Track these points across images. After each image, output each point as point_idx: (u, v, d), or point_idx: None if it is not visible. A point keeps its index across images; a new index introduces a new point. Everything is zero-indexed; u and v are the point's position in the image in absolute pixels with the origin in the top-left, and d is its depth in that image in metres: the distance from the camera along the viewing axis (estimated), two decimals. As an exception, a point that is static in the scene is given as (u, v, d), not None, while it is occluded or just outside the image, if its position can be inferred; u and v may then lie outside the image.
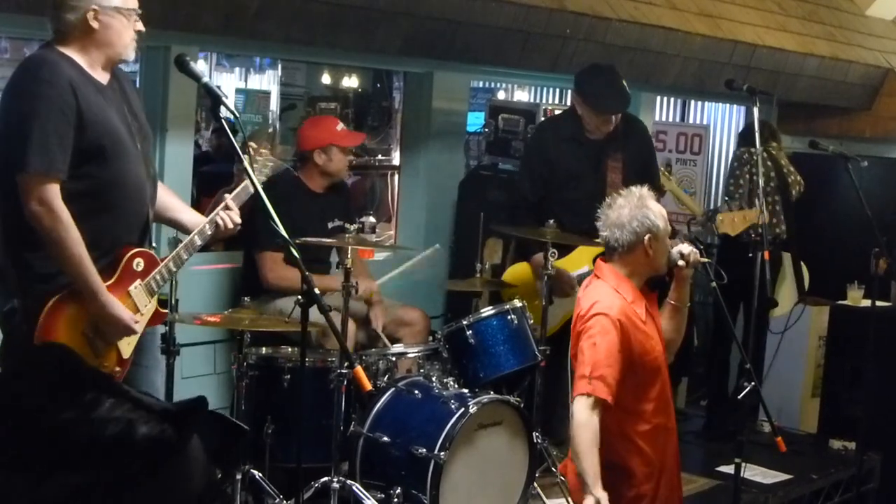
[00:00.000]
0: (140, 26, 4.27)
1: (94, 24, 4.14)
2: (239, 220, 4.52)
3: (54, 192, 4.02)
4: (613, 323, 4.37)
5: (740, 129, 11.11)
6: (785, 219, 7.85)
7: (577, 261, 6.43)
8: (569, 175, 6.55)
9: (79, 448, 1.22)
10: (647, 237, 4.49)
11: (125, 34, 4.21)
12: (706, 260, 4.73)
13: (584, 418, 4.28)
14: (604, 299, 4.45)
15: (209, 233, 4.47)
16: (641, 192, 4.61)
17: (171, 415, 1.28)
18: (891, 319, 7.39)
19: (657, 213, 4.54)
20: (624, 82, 6.53)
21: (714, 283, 4.89)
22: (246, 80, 14.69)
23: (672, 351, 4.75)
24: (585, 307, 4.48)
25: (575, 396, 4.33)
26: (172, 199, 4.64)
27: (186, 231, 4.56)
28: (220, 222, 4.46)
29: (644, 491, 4.53)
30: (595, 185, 6.43)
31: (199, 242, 4.47)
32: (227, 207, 4.49)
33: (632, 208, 4.52)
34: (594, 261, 6.35)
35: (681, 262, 4.55)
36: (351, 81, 13.25)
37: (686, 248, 4.60)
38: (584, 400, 4.29)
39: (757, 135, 6.10)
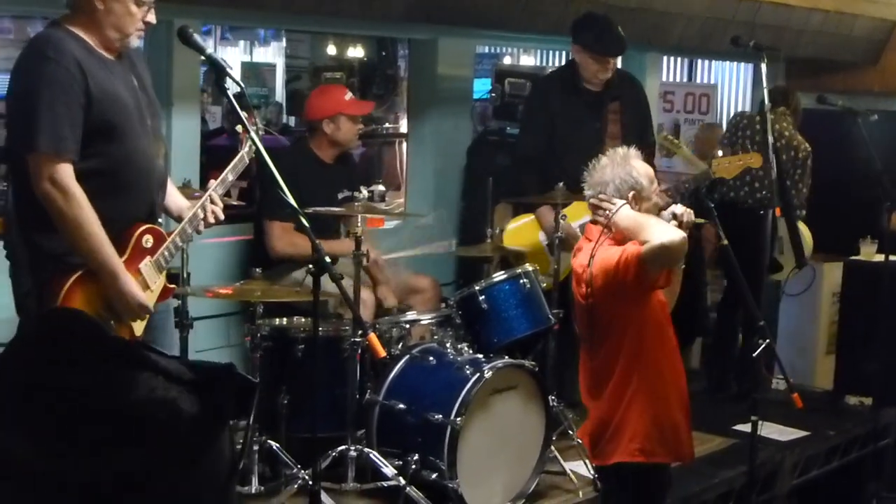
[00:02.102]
0: (152, 18, 4.21)
1: (99, 5, 4.09)
2: (222, 217, 4.47)
3: (66, 171, 3.98)
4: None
5: (748, 87, 11.12)
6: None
7: (577, 212, 6.46)
8: (570, 124, 6.65)
9: (123, 428, 1.22)
10: (630, 195, 4.46)
11: (129, 22, 4.14)
12: (701, 221, 4.70)
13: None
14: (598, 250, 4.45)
15: (201, 216, 4.44)
16: (626, 151, 4.59)
17: (200, 385, 1.28)
18: (904, 273, 7.37)
19: (641, 171, 4.52)
20: (619, 28, 6.65)
21: (725, 242, 4.86)
22: (251, 54, 14.68)
23: (671, 304, 4.72)
24: (586, 263, 4.44)
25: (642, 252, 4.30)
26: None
27: (169, 216, 4.56)
28: (201, 214, 4.40)
29: (661, 428, 4.53)
30: (596, 134, 6.62)
31: (201, 216, 4.45)
32: (212, 201, 4.44)
33: (614, 167, 4.51)
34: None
35: (673, 223, 4.48)
36: (356, 51, 13.24)
37: (679, 208, 4.56)
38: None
39: (765, 92, 6.06)
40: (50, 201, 3.97)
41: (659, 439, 4.52)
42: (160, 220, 4.46)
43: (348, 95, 6.49)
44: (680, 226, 4.48)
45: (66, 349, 1.19)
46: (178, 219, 4.48)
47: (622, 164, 4.50)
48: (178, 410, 1.18)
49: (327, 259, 3.79)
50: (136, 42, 4.26)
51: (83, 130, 4.03)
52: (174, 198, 4.60)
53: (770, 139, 5.90)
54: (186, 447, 1.19)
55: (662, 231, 4.32)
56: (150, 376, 1.19)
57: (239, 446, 5.18)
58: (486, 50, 12.21)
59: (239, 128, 4.43)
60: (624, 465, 4.51)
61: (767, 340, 4.85)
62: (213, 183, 4.50)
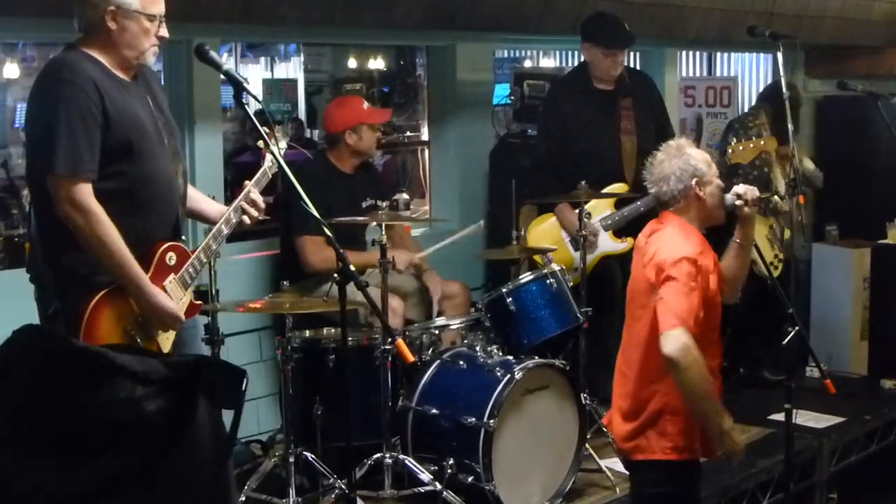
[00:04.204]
0: (164, 32, 4.23)
1: (112, 25, 4.12)
2: (263, 205, 4.53)
3: (86, 191, 4.02)
4: (697, 268, 4.34)
5: (768, 78, 11.09)
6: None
7: (600, 206, 6.49)
8: (583, 124, 6.68)
9: (92, 436, 1.23)
10: (693, 182, 4.47)
11: (143, 39, 4.17)
12: (766, 195, 4.73)
13: (681, 349, 4.22)
14: (681, 243, 4.41)
15: (234, 221, 4.47)
16: (679, 142, 4.64)
17: (173, 382, 1.29)
18: (933, 254, 7.36)
19: (699, 158, 4.53)
20: (626, 24, 6.71)
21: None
22: (272, 70, 14.76)
23: (738, 288, 4.73)
24: (663, 253, 4.38)
25: (663, 332, 4.24)
26: (193, 191, 4.65)
27: (209, 222, 4.60)
28: (246, 207, 4.46)
29: (692, 428, 4.49)
30: (610, 132, 6.67)
31: (225, 231, 4.47)
32: (249, 193, 4.49)
33: (671, 158, 4.53)
34: (615, 205, 6.43)
35: (738, 202, 4.54)
36: (376, 63, 13.29)
37: (741, 188, 4.59)
38: (676, 331, 4.23)
39: (783, 81, 6.04)
40: (71, 221, 4.01)
41: (691, 436, 4.49)
42: (183, 237, 4.49)
43: (366, 105, 6.53)
44: (746, 204, 4.54)
45: (26, 364, 1.21)
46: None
47: (678, 155, 4.52)
48: (141, 410, 1.19)
49: (352, 268, 3.81)
50: (152, 59, 4.29)
51: (103, 151, 4.07)
52: (211, 204, 4.66)
53: (790, 127, 5.89)
54: (154, 445, 1.21)
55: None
56: (119, 381, 1.21)
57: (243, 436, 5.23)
58: (506, 55, 12.23)
59: (260, 143, 4.46)
60: (655, 462, 4.51)
61: (797, 328, 4.84)
62: (247, 182, 4.53)
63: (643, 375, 4.46)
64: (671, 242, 4.41)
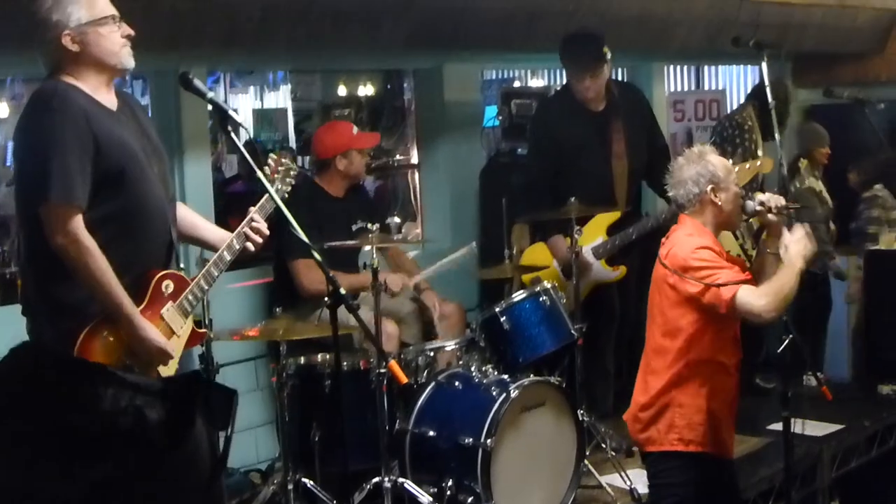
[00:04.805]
0: (127, 30, 4.18)
1: (73, 47, 4.09)
2: (267, 232, 4.50)
3: (78, 221, 3.99)
4: (718, 252, 4.56)
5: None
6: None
7: (591, 234, 6.44)
8: (575, 146, 6.57)
9: (94, 443, 1.24)
10: (709, 188, 4.62)
11: (107, 43, 4.13)
12: (795, 205, 4.80)
13: (752, 296, 4.42)
14: (696, 239, 4.57)
15: (237, 247, 4.44)
16: (702, 148, 4.77)
17: (170, 393, 1.30)
18: (926, 258, 7.36)
19: (717, 164, 4.67)
20: (601, 44, 6.50)
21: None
22: (262, 100, 14.74)
23: None
24: (678, 250, 4.56)
25: (733, 304, 4.42)
26: (194, 217, 4.63)
27: (210, 248, 4.56)
28: (250, 233, 4.44)
29: (699, 422, 4.61)
30: (602, 155, 6.58)
31: (228, 258, 4.43)
32: (252, 220, 4.47)
33: (691, 163, 4.67)
34: (607, 231, 6.41)
35: (759, 208, 4.66)
36: (365, 89, 13.32)
37: (764, 196, 4.72)
38: (741, 296, 4.42)
39: (768, 89, 6.05)
40: (64, 251, 3.98)
41: (698, 430, 4.62)
42: (181, 265, 4.46)
43: (355, 130, 6.53)
44: (769, 211, 4.66)
45: (32, 377, 1.22)
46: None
47: (698, 161, 4.67)
48: (143, 417, 1.20)
49: (342, 291, 3.81)
50: (129, 60, 4.21)
51: (94, 179, 4.05)
52: (213, 231, 4.64)
53: (777, 137, 5.90)
54: (156, 451, 1.21)
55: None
56: (117, 391, 1.21)
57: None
58: (495, 76, 12.25)
59: (267, 169, 4.49)
60: (665, 453, 4.63)
61: (792, 335, 4.84)
62: (251, 209, 4.52)
63: (665, 378, 4.64)
64: (685, 240, 4.58)
